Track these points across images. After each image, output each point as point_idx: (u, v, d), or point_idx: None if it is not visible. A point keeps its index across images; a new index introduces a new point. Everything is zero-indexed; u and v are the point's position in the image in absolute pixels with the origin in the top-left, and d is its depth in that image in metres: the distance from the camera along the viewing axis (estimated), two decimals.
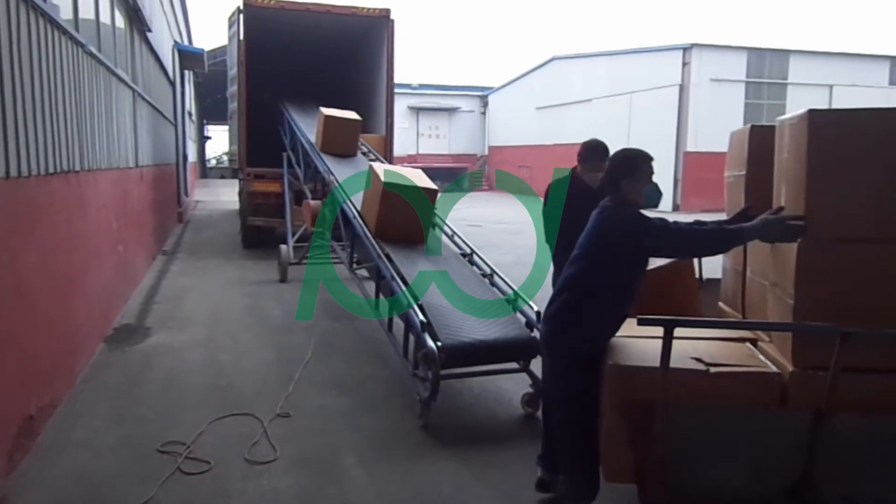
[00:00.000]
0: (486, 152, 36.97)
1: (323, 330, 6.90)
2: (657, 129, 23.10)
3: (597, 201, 4.60)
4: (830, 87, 23.65)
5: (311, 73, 13.04)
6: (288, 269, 9.42)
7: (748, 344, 3.17)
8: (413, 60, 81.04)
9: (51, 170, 4.68)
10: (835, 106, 23.23)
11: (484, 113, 37.36)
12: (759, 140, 3.52)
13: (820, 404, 2.62)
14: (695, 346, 3.05)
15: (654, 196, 3.14)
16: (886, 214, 2.74)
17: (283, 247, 9.62)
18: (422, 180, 6.31)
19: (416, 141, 35.40)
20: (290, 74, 12.75)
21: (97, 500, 3.52)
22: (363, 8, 11.66)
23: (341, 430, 4.43)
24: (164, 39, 14.41)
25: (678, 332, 3.15)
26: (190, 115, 25.98)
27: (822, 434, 2.58)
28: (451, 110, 36.67)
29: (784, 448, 2.67)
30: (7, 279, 3.81)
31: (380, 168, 6.53)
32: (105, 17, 7.52)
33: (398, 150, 35.32)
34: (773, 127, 3.45)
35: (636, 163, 3.11)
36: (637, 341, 2.98)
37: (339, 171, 8.12)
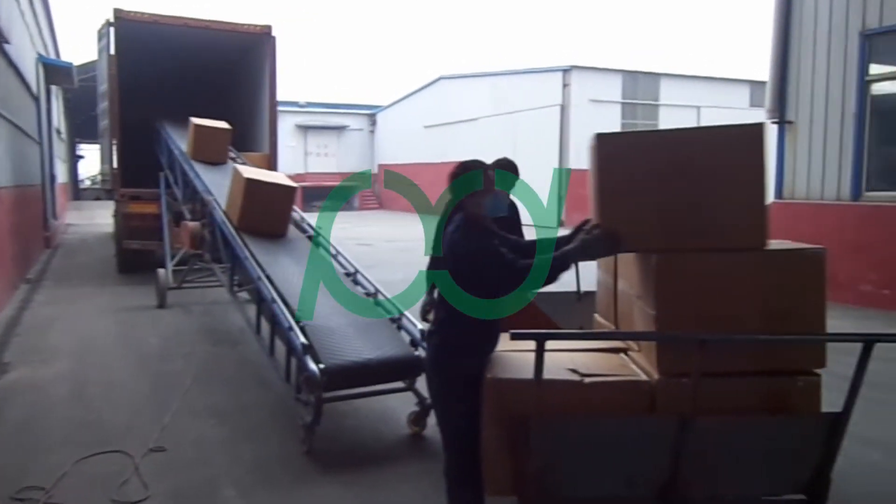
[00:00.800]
0: (376, 171, 36.94)
1: (203, 356, 6.61)
2: (541, 148, 23.87)
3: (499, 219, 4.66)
4: (698, 108, 25.27)
5: (190, 90, 12.57)
6: (166, 294, 9.00)
7: (622, 354, 3.29)
8: (300, 78, 79.91)
9: None
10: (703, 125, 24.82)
11: (372, 131, 37.36)
12: (609, 148, 3.64)
13: (685, 410, 2.74)
14: (572, 358, 3.13)
15: (499, 204, 3.17)
16: (670, 227, 2.95)
17: (160, 271, 9.18)
18: (281, 179, 6.99)
19: (304, 160, 34.87)
20: (168, 91, 12.22)
21: None
22: (244, 24, 11.41)
23: (220, 460, 4.24)
24: (25, 52, 13.49)
25: (559, 344, 3.25)
26: (59, 132, 24.42)
27: (687, 438, 2.70)
28: (340, 128, 36.42)
29: (653, 453, 2.77)
30: None
31: (243, 168, 7.07)
32: None
33: (285, 169, 34.60)
34: (624, 133, 3.67)
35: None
36: (514, 355, 3.02)
37: (212, 181, 7.87)
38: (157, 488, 3.82)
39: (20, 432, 4.67)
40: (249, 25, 11.36)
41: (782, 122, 10.17)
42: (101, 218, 22.12)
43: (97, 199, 34.62)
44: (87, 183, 43.63)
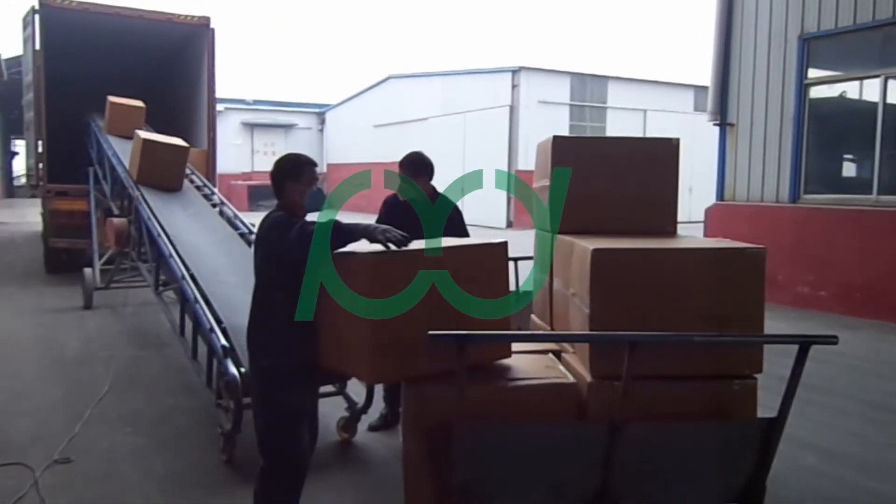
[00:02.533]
0: (325, 169, 36.40)
1: (126, 360, 6.25)
2: (490, 149, 23.81)
3: (410, 213, 4.48)
4: (644, 111, 25.56)
5: (124, 83, 11.99)
6: (93, 295, 8.56)
7: (551, 355, 3.13)
8: (248, 75, 78.29)
9: None
10: (649, 129, 25.18)
11: (321, 130, 36.82)
12: (561, 150, 3.56)
13: (616, 414, 2.59)
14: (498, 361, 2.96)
15: (318, 198, 3.19)
16: (612, 215, 3.41)
17: (87, 270, 8.74)
18: (176, 141, 7.92)
19: (250, 158, 34.11)
20: (100, 83, 11.62)
21: None
22: (180, 15, 10.98)
23: (130, 472, 3.94)
24: None
25: None
26: None
27: (618, 444, 2.55)
28: (288, 127, 35.74)
29: (582, 461, 2.61)
30: None
31: (143, 133, 7.88)
32: None
33: (231, 167, 33.94)
34: (574, 138, 3.64)
35: (300, 166, 3.09)
36: None
37: (168, 217, 7.12)
38: None
39: None
40: (186, 16, 10.94)
41: (724, 124, 10.26)
42: (33, 216, 21.19)
43: (32, 196, 33.22)
44: (24, 180, 41.84)
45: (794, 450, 4.09)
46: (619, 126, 24.34)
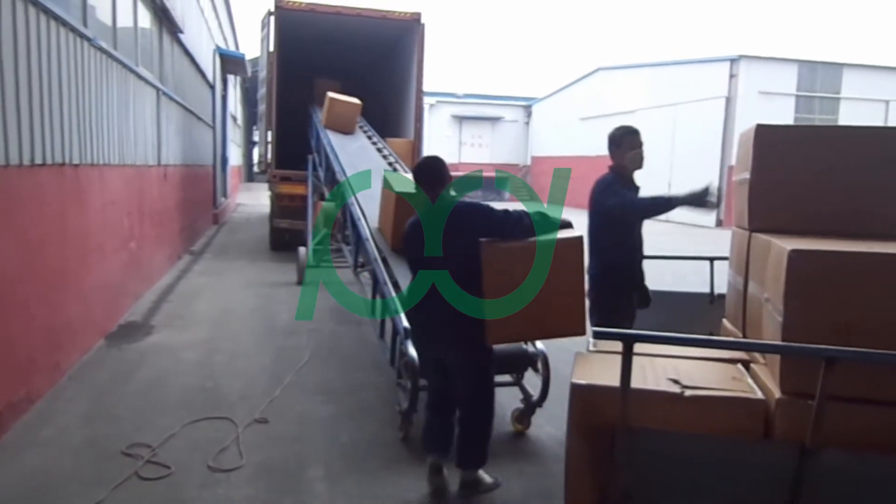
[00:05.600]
0: (529, 162, 36.61)
1: (327, 333, 6.73)
2: (702, 142, 22.46)
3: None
4: (887, 102, 22.65)
5: (341, 76, 13.02)
6: (305, 272, 9.33)
7: (739, 366, 2.85)
8: (458, 69, 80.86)
9: (38, 160, 4.60)
10: (892, 122, 22.30)
11: (527, 123, 37.03)
12: (766, 139, 3.23)
13: (808, 437, 2.29)
14: (676, 366, 2.76)
15: None
16: (826, 214, 3.07)
17: (301, 249, 9.54)
18: (353, 100, 10.12)
19: (458, 149, 35.24)
20: (321, 77, 12.77)
21: None
22: (394, 12, 11.55)
23: (317, 438, 4.23)
24: (202, 43, 14.56)
25: (661, 349, 2.89)
26: (234, 119, 26.31)
27: (808, 472, 2.25)
28: (495, 119, 36.43)
29: (764, 485, 2.34)
30: None
31: (331, 93, 10.25)
32: (125, 15, 7.52)
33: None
34: (782, 125, 3.31)
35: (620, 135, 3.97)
36: (606, 356, 2.70)
37: (349, 162, 8.13)
38: (250, 459, 3.87)
39: (147, 391, 4.94)
40: (400, 13, 11.49)
41: None
42: (265, 199, 23.61)
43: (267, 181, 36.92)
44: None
45: None
46: (854, 119, 21.80)
